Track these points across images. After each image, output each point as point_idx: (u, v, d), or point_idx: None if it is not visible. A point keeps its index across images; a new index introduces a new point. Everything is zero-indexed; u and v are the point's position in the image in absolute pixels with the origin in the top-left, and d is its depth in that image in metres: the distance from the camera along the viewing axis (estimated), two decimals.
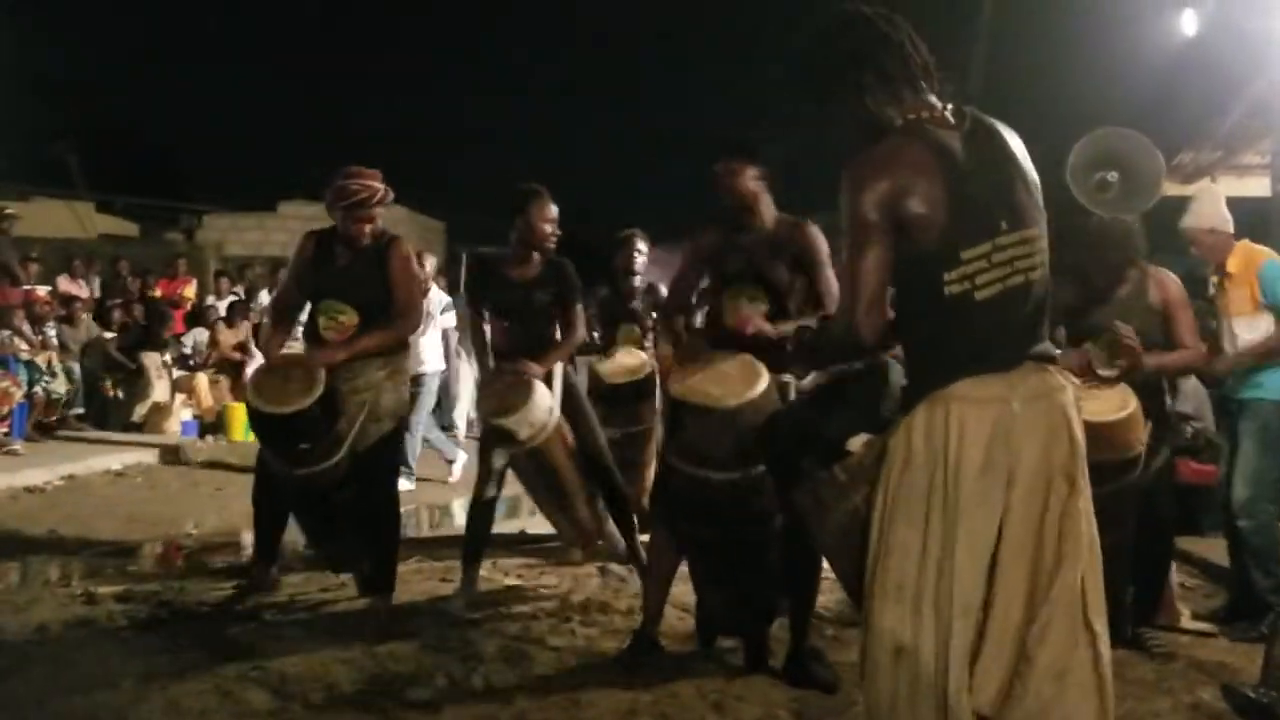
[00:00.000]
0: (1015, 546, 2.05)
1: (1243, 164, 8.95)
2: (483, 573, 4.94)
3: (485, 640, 3.88)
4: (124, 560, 5.35)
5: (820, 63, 2.22)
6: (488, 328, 4.50)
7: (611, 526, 4.80)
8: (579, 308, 4.54)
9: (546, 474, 4.42)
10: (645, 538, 4.41)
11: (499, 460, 4.35)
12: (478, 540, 4.49)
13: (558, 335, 4.47)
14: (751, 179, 3.85)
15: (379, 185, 4.06)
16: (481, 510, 4.45)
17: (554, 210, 4.42)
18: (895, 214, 2.04)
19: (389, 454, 4.20)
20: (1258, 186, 8.82)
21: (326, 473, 3.94)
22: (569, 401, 4.45)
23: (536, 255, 4.44)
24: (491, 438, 4.33)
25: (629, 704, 3.32)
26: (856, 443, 2.26)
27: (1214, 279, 4.64)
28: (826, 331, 2.41)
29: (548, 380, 4.32)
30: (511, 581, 4.88)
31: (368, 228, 4.08)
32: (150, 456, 8.72)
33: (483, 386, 4.44)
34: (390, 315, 4.08)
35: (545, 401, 4.22)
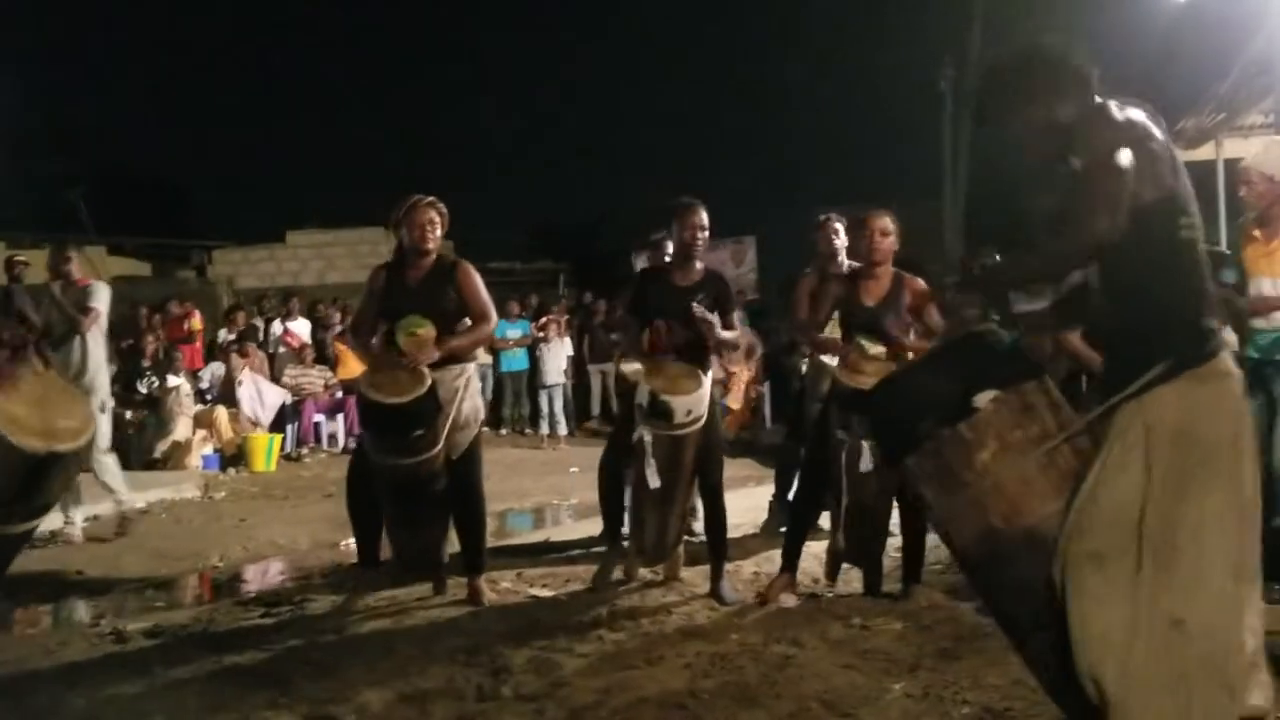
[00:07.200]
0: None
1: (1246, 125, 8.87)
2: (507, 584, 4.96)
3: (514, 651, 3.87)
4: (152, 596, 5.39)
5: (1005, 95, 2.50)
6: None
7: (680, 551, 4.97)
8: (735, 316, 4.89)
9: (671, 468, 4.51)
10: None
11: (641, 435, 4.45)
12: (617, 513, 4.95)
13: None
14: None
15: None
16: (614, 494, 4.88)
17: (705, 218, 4.75)
18: (1140, 154, 2.24)
19: (477, 456, 4.63)
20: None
21: (427, 463, 4.34)
22: (709, 415, 4.60)
23: (697, 264, 4.79)
24: (644, 415, 4.44)
25: (659, 704, 3.31)
26: (983, 399, 2.35)
27: (1254, 231, 4.58)
28: (1037, 250, 2.53)
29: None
30: (537, 591, 4.88)
31: (432, 230, 4.51)
32: (173, 492, 8.76)
33: (651, 368, 4.61)
34: (471, 321, 4.55)
35: (706, 399, 4.49)
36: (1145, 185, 2.24)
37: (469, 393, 4.54)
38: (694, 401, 4.40)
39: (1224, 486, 2.18)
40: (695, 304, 4.58)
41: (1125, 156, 2.22)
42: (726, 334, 4.74)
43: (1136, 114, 2.34)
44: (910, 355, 4.40)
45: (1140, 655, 2.13)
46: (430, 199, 4.56)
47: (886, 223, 4.60)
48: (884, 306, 4.57)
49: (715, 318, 4.60)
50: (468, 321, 4.60)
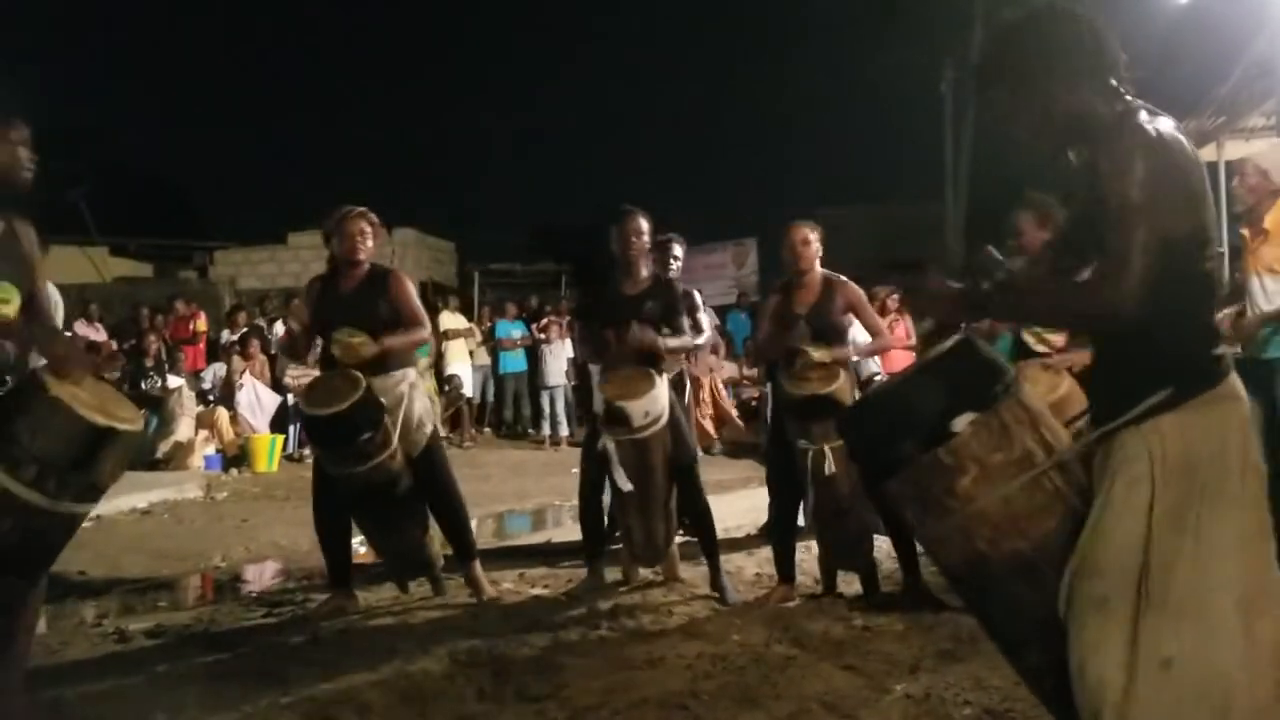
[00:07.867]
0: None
1: (1248, 127, 8.87)
2: (509, 584, 4.97)
3: (515, 652, 3.88)
4: (154, 596, 5.41)
5: (1017, 58, 2.19)
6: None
7: (674, 550, 4.98)
8: (684, 320, 4.90)
9: (642, 471, 4.51)
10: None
11: (604, 443, 4.49)
12: (598, 536, 4.97)
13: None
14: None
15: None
16: (592, 506, 4.88)
17: (643, 225, 4.78)
18: (1180, 188, 2.04)
19: (439, 450, 4.71)
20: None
21: (381, 466, 4.32)
22: (671, 412, 4.59)
23: (643, 271, 4.82)
24: (603, 423, 4.50)
25: (660, 705, 3.31)
26: (960, 423, 2.17)
27: (1242, 230, 4.63)
28: (1066, 294, 2.24)
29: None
30: (539, 592, 4.89)
31: (362, 241, 4.54)
32: (175, 493, 8.78)
33: (607, 375, 4.66)
34: (404, 326, 4.54)
35: (663, 398, 4.50)
36: (1180, 221, 2.05)
37: (415, 395, 4.55)
38: (649, 402, 4.39)
39: (1230, 517, 2.05)
40: (632, 330, 4.56)
41: (1168, 201, 2.03)
42: (673, 343, 4.70)
43: (1169, 130, 2.09)
44: (848, 358, 4.66)
45: (1136, 702, 2.01)
46: (361, 210, 4.61)
47: (806, 232, 4.73)
48: (814, 312, 4.64)
49: (657, 337, 4.59)
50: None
